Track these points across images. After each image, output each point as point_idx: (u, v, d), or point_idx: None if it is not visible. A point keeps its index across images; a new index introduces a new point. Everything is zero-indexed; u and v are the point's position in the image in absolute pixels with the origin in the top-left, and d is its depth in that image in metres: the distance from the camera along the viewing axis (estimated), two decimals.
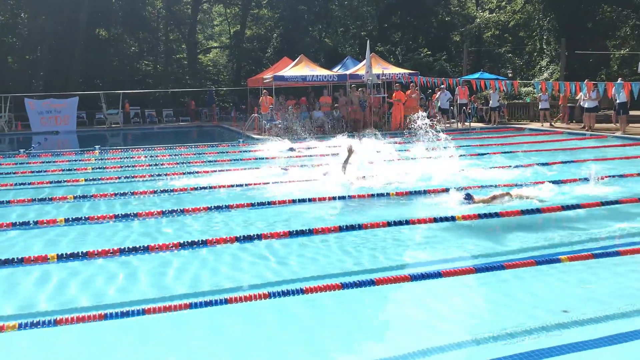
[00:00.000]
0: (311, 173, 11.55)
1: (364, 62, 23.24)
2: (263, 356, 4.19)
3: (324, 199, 8.96)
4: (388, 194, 9.26)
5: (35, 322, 4.52)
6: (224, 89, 39.22)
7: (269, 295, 4.87)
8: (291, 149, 15.88)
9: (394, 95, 22.77)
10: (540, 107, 23.67)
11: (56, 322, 4.54)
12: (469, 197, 8.35)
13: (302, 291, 4.92)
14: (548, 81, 27.04)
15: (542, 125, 23.03)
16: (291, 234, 6.88)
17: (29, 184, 11.39)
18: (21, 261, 6.07)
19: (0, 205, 9.29)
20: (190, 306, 4.72)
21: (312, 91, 26.28)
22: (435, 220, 7.36)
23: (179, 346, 4.39)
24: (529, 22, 37.61)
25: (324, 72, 23.84)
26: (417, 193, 9.31)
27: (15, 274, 5.97)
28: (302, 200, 8.85)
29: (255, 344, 4.39)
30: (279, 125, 21.69)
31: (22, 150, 17.49)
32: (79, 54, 34.38)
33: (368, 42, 23.28)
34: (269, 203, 8.80)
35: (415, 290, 5.29)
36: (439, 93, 23.63)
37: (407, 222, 7.35)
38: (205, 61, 43.52)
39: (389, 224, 7.20)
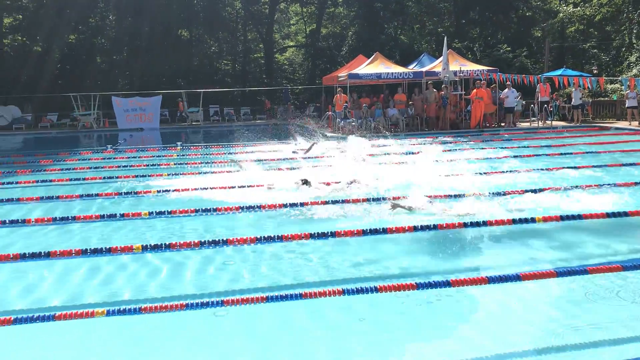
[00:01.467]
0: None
1: (441, 58, 22.86)
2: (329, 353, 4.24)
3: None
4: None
5: (121, 309, 4.77)
6: (299, 87, 39.67)
7: (342, 292, 4.91)
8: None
9: (473, 92, 22.25)
10: (627, 105, 22.45)
11: (141, 310, 4.77)
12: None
13: (376, 289, 4.92)
14: (638, 78, 25.57)
15: (630, 124, 21.82)
16: (364, 233, 6.89)
17: (116, 177, 11.99)
18: (109, 250, 6.41)
19: (89, 197, 9.84)
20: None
21: (386, 89, 26.14)
22: (514, 221, 7.15)
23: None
24: (617, 15, 35.66)
25: (400, 69, 23.63)
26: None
27: (101, 262, 6.31)
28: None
29: (323, 340, 4.43)
30: (353, 123, 21.72)
31: (109, 146, 18.45)
32: (163, 54, 35.83)
33: (445, 38, 22.86)
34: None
35: (492, 292, 5.18)
36: (505, 90, 22.83)
37: (485, 224, 7.18)
38: (281, 60, 44.18)
39: (465, 225, 7.08)
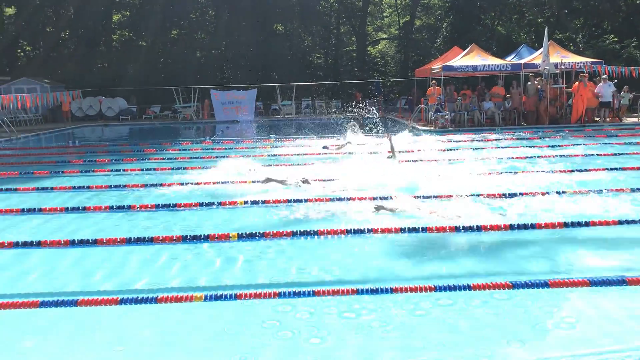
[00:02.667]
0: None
1: (541, 50, 21.85)
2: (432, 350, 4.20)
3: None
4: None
5: (219, 295, 4.98)
6: (391, 80, 39.38)
7: (435, 289, 4.87)
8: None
9: (575, 85, 21.13)
10: None
11: (236, 297, 4.96)
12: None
13: (469, 287, 4.83)
14: None
15: None
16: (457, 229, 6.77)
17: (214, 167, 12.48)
18: (207, 238, 6.71)
19: (189, 185, 10.31)
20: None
21: (482, 81, 25.37)
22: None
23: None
24: None
25: (497, 61, 22.84)
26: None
27: (201, 249, 6.60)
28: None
29: (419, 336, 4.41)
30: (446, 117, 21.28)
31: (207, 137, 19.19)
32: (259, 48, 36.75)
33: (546, 29, 21.85)
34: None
35: (592, 295, 4.93)
36: (600, 84, 21.40)
37: (587, 224, 6.84)
38: (373, 53, 44.00)
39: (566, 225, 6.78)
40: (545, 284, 4.86)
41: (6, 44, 37.36)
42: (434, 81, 22.91)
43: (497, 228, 6.75)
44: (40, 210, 8.52)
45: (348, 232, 6.73)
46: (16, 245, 6.62)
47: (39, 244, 6.62)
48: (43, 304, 4.85)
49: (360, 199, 8.45)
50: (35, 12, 36.88)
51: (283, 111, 31.35)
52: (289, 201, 8.52)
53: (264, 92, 32.80)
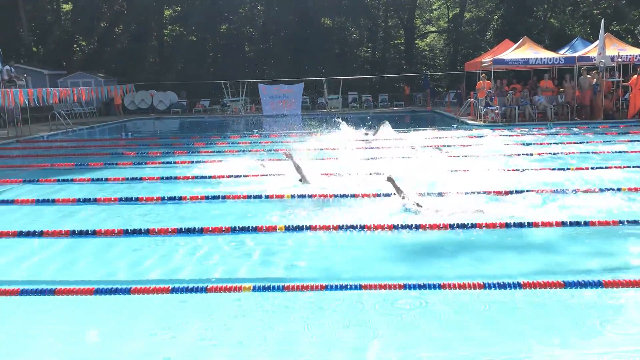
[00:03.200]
0: None
1: (596, 43, 21.13)
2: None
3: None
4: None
5: (266, 286, 5.05)
6: (439, 73, 38.86)
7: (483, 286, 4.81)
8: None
9: (632, 79, 20.35)
10: None
11: (284, 289, 5.02)
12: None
13: (519, 285, 4.75)
14: None
15: None
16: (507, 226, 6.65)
17: (262, 160, 12.62)
18: (255, 229, 6.81)
19: (237, 177, 10.46)
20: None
21: (534, 75, 24.74)
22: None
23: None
24: None
25: (549, 54, 22.22)
26: None
27: (247, 239, 6.71)
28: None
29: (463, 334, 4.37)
30: (496, 111, 20.87)
31: (255, 130, 19.39)
32: (306, 42, 36.88)
33: (603, 20, 21.10)
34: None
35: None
36: None
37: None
38: (421, 46, 43.49)
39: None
40: (599, 284, 4.74)
41: (63, 39, 38.68)
42: (483, 75, 22.47)
43: (548, 225, 6.60)
44: (95, 200, 8.82)
45: (395, 227, 6.71)
46: (72, 234, 6.88)
47: (93, 233, 6.86)
48: (97, 292, 5.03)
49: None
50: (90, 7, 37.99)
51: (330, 105, 31.38)
52: (337, 196, 8.53)
53: (311, 86, 32.93)
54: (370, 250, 6.32)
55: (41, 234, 6.85)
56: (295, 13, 37.56)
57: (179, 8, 40.15)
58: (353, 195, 8.51)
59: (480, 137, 16.66)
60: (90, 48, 40.10)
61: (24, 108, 20.77)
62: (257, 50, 39.67)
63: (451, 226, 6.67)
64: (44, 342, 4.43)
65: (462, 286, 4.82)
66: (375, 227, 6.70)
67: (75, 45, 39.99)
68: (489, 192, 8.34)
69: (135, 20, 38.55)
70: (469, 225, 6.64)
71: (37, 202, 8.78)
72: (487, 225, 6.63)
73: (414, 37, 42.30)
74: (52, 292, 5.01)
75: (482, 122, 20.90)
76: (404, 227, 6.70)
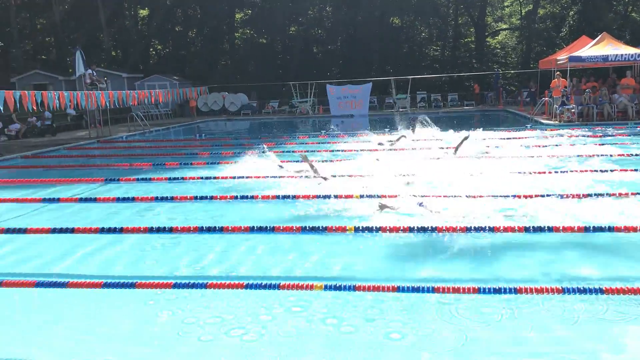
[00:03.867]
0: None
1: None
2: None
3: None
4: None
5: (337, 285, 5.11)
6: (512, 71, 37.81)
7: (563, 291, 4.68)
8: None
9: None
10: None
11: (355, 288, 5.06)
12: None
13: (602, 291, 4.60)
14: None
15: None
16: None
17: (330, 161, 12.72)
18: (324, 229, 6.89)
19: (307, 177, 10.59)
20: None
21: (613, 72, 23.65)
22: None
23: None
24: None
25: (631, 50, 21.16)
26: None
27: (315, 239, 6.79)
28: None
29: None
30: (572, 110, 20.10)
31: (322, 131, 19.54)
32: (374, 42, 36.81)
33: None
34: None
35: None
36: None
37: None
38: (493, 44, 42.48)
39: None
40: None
41: (140, 43, 40.35)
42: (558, 72, 21.69)
43: (632, 230, 6.32)
44: (172, 198, 9.16)
45: (468, 229, 6.61)
46: (150, 230, 7.16)
47: (170, 230, 7.13)
48: (175, 286, 5.25)
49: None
50: (166, 12, 39.47)
51: (398, 105, 31.17)
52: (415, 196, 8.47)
53: (379, 86, 32.81)
54: (441, 252, 6.26)
55: (121, 230, 7.18)
56: (363, 13, 37.56)
57: (249, 11, 41.04)
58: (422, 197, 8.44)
59: (556, 136, 16.11)
60: (166, 51, 41.61)
61: (104, 110, 21.83)
62: (325, 51, 39.97)
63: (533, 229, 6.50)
64: (126, 330, 4.67)
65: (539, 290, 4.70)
66: (448, 229, 6.63)
67: (151, 49, 41.61)
68: (567, 196, 8.07)
69: (208, 24, 39.70)
70: (545, 228, 6.45)
71: (118, 200, 9.21)
72: (564, 229, 6.42)
73: (485, 34, 41.38)
74: (132, 285, 5.27)
75: (557, 122, 20.20)
76: (478, 229, 6.59)
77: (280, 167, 11.70)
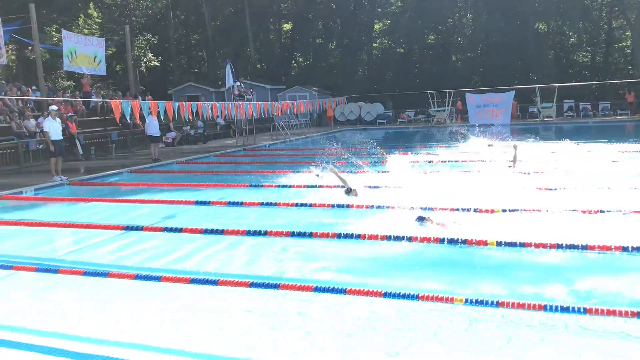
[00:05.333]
0: None
1: None
2: None
3: None
4: None
5: (479, 300, 4.99)
6: None
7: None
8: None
9: None
10: None
11: (498, 304, 4.91)
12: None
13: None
14: None
15: None
16: None
17: (467, 171, 12.43)
18: (464, 242, 6.75)
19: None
20: None
21: None
22: None
23: None
24: None
25: None
26: None
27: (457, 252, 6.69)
28: None
29: None
30: None
31: (460, 140, 19.11)
32: (517, 48, 35.36)
33: None
34: None
35: None
36: None
37: None
38: None
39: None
40: None
41: (283, 56, 42.20)
42: None
43: None
44: (310, 205, 9.47)
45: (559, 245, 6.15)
46: (292, 234, 7.43)
47: (310, 235, 7.34)
48: (316, 289, 5.43)
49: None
50: (308, 26, 40.93)
51: (542, 114, 29.60)
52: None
53: (521, 94, 31.41)
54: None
55: (265, 233, 7.54)
56: (506, 19, 36.28)
57: (388, 22, 41.29)
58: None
59: None
60: (306, 63, 43.12)
61: (249, 120, 23.13)
62: (464, 59, 39.11)
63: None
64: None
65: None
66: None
67: (292, 61, 43.34)
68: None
69: (347, 35, 40.55)
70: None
71: (262, 204, 9.69)
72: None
73: None
74: (277, 286, 5.53)
75: None
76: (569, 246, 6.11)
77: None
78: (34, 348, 4.61)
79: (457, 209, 8.19)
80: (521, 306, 4.78)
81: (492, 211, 7.96)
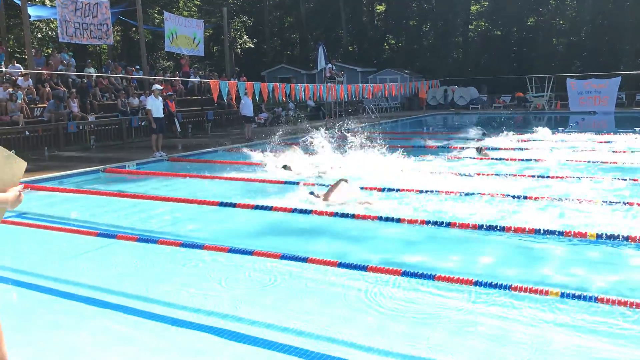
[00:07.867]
0: None
1: None
2: None
3: None
4: None
5: (576, 294, 4.79)
6: None
7: None
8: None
9: None
10: None
11: (597, 300, 4.69)
12: None
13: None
14: None
15: None
16: None
17: (566, 160, 11.85)
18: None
19: (514, 177, 9.99)
20: None
21: None
22: None
23: None
24: None
25: None
26: None
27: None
28: None
29: None
30: None
31: (560, 129, 18.24)
32: (627, 31, 33.05)
33: None
34: None
35: None
36: None
37: None
38: None
39: None
40: None
41: (376, 38, 41.87)
42: None
43: None
44: (398, 190, 9.35)
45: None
46: (379, 219, 7.42)
47: (398, 220, 7.28)
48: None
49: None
50: (402, 7, 40.27)
51: None
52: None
53: (629, 80, 29.39)
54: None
55: (353, 216, 7.58)
56: (614, 1, 33.94)
57: (486, 3, 39.87)
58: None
59: None
60: (399, 46, 42.55)
61: (339, 102, 23.19)
62: (566, 43, 37.10)
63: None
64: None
65: None
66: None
67: (385, 44, 42.90)
68: None
69: (442, 17, 39.57)
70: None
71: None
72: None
73: None
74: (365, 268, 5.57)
75: None
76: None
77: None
78: (139, 313, 4.93)
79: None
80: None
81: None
